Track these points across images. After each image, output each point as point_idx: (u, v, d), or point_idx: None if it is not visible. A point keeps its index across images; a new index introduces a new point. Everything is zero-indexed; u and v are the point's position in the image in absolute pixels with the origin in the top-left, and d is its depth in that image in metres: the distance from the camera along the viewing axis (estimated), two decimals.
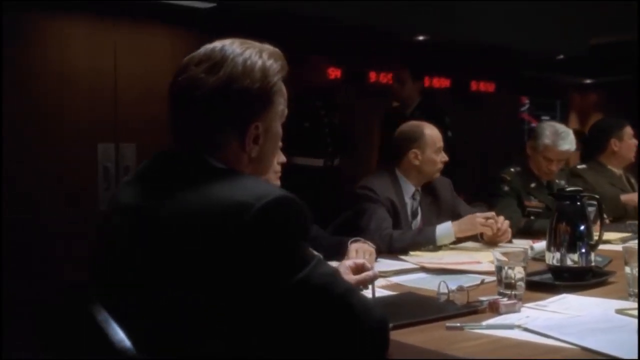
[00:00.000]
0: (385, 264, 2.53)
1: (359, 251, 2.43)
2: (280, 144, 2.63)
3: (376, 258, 2.58)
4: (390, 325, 1.62)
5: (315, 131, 4.66)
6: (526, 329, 1.64)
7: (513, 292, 1.94)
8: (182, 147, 1.43)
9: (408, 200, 3.08)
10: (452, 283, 2.18)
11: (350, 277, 1.86)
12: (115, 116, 4.38)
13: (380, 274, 2.35)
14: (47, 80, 4.12)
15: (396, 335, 1.61)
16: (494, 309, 1.82)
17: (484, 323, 1.69)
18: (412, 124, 3.20)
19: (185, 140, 1.43)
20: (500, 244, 2.95)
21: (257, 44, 1.48)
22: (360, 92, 5.77)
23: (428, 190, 3.17)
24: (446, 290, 1.91)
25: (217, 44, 1.46)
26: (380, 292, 2.07)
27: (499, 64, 6.67)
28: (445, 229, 2.85)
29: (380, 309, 1.42)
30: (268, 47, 1.49)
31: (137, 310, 1.33)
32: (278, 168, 2.64)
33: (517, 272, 1.96)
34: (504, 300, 1.85)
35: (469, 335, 1.63)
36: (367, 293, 1.93)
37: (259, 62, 1.44)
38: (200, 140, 1.41)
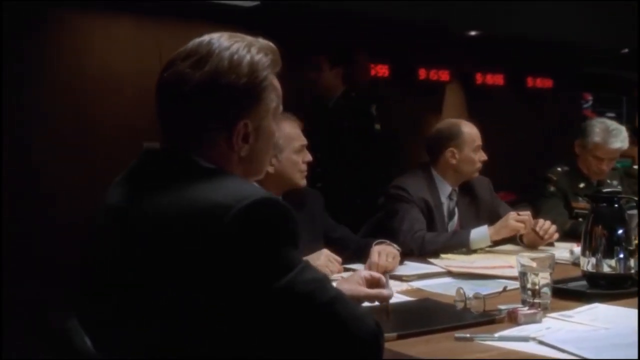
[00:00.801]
0: (411, 267, 2.43)
1: (382, 253, 2.33)
2: (304, 142, 2.60)
3: (403, 261, 2.48)
4: (395, 334, 1.55)
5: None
6: (541, 342, 1.51)
7: (536, 300, 1.81)
8: (169, 145, 1.38)
9: (444, 200, 2.96)
10: (478, 289, 2.07)
11: (362, 290, 1.73)
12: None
13: (403, 278, 2.25)
14: (92, 81, 4.17)
15: (399, 346, 1.53)
16: (513, 318, 1.70)
17: (497, 334, 1.57)
18: (449, 121, 3.07)
19: (172, 138, 1.38)
20: (541, 247, 2.81)
21: (248, 38, 1.41)
22: (409, 89, 5.63)
23: (466, 190, 3.04)
24: (463, 298, 1.80)
25: (205, 38, 1.40)
26: (398, 298, 1.98)
27: (557, 59, 6.40)
28: (480, 233, 2.73)
29: (374, 318, 1.33)
30: (259, 41, 1.41)
31: (115, 313, 1.28)
32: (303, 167, 2.58)
33: (542, 279, 1.83)
34: (524, 310, 1.72)
35: (478, 347, 1.52)
36: None
37: (247, 57, 1.36)
38: (186, 138, 1.35)
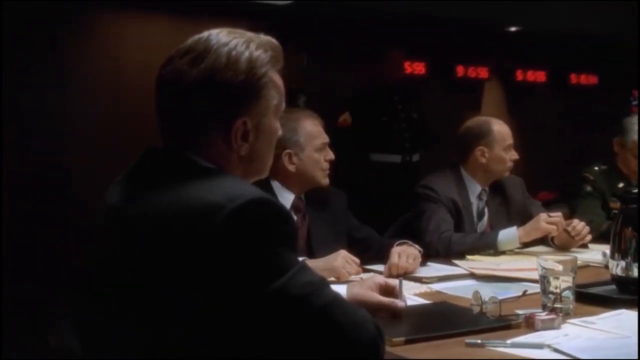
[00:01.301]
0: (433, 269, 2.36)
1: (402, 255, 2.27)
2: (326, 140, 2.55)
3: (426, 262, 2.42)
4: (402, 338, 1.50)
5: (392, 126, 4.49)
6: (556, 350, 1.44)
7: (557, 305, 1.73)
8: (167, 143, 1.36)
9: (474, 200, 2.87)
10: (500, 292, 2.01)
11: (374, 296, 1.65)
12: None
13: (423, 280, 2.19)
14: (129, 80, 4.22)
15: (407, 350, 1.48)
16: (530, 324, 1.63)
17: (510, 340, 1.51)
18: (479, 119, 2.98)
19: (169, 136, 1.35)
20: (573, 249, 2.71)
21: (248, 34, 1.38)
22: (447, 86, 5.54)
23: (497, 189, 2.95)
24: (479, 301, 1.74)
25: (204, 34, 1.36)
26: (415, 300, 1.92)
27: (603, 55, 6.22)
28: (508, 234, 2.64)
29: (376, 324, 1.28)
30: (259, 37, 1.38)
31: (111, 313, 1.26)
32: (325, 166, 2.54)
33: (563, 282, 1.75)
34: (542, 315, 1.65)
35: (489, 354, 1.45)
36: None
37: (246, 53, 1.33)
38: (184, 136, 1.33)
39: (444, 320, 1.70)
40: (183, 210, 1.21)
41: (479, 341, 1.50)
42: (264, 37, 1.39)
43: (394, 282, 1.66)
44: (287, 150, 2.47)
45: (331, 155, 2.53)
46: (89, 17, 4.17)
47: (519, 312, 1.70)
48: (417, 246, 2.36)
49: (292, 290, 1.19)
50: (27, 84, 3.97)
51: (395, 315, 1.53)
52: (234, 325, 1.18)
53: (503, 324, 1.64)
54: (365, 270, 2.30)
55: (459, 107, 5.55)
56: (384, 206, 4.07)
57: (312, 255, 2.37)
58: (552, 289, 1.76)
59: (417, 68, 5.29)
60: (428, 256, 2.45)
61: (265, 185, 2.52)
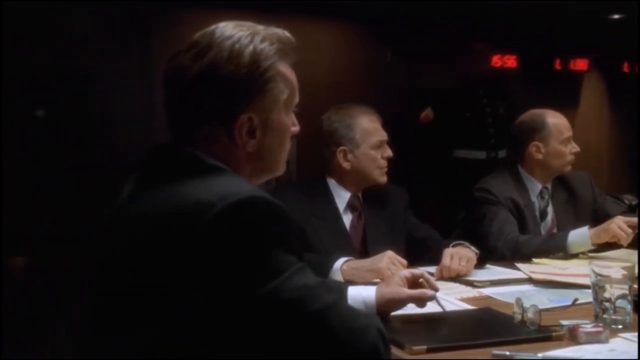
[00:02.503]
0: (490, 272, 2.22)
1: (454, 256, 2.15)
2: (384, 137, 2.46)
3: (484, 264, 2.29)
4: (425, 347, 1.41)
5: (477, 122, 4.31)
6: None
7: (611, 317, 1.58)
8: (174, 140, 1.33)
9: (534, 199, 2.69)
10: (556, 299, 1.87)
11: (403, 291, 1.62)
12: None
13: (475, 284, 2.07)
14: None
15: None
16: (573, 336, 1.49)
17: (542, 354, 1.37)
18: (533, 112, 2.78)
19: (175, 133, 1.33)
20: None
21: (256, 27, 1.32)
22: (541, 79, 5.26)
23: (561, 187, 2.74)
24: (521, 309, 1.61)
25: (211, 27, 1.33)
26: (457, 305, 1.81)
27: None
28: (579, 235, 2.44)
29: (381, 331, 1.20)
30: (267, 29, 1.32)
31: (108, 312, 1.25)
32: (383, 163, 2.46)
33: (618, 291, 1.59)
34: (587, 327, 1.50)
35: None
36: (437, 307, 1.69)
37: (250, 47, 1.28)
38: (187, 133, 1.29)
39: (478, 328, 1.58)
40: (175, 208, 1.18)
41: (507, 353, 1.38)
42: (273, 30, 1.33)
43: (418, 271, 1.68)
44: (342, 147, 2.41)
45: (389, 153, 2.45)
46: (176, 14, 4.25)
47: (564, 322, 1.56)
48: (473, 248, 2.23)
49: (285, 294, 1.13)
50: (117, 81, 4.08)
51: (428, 300, 1.61)
52: (225, 327, 1.14)
53: (542, 334, 1.50)
54: None
55: (554, 102, 5.25)
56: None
57: (366, 255, 2.30)
58: (604, 298, 1.60)
59: (508, 61, 5.06)
60: (484, 259, 2.31)
61: (321, 183, 2.48)
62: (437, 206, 3.91)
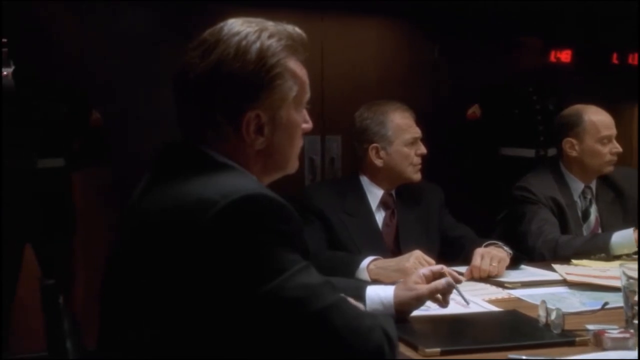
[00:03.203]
0: (523, 273, 2.15)
1: (485, 256, 2.09)
2: (417, 134, 2.41)
3: (518, 264, 2.22)
4: (438, 349, 1.37)
5: (526, 119, 4.19)
6: None
7: (638, 322, 1.50)
8: (184, 138, 1.33)
9: (577, 199, 2.59)
10: (589, 302, 1.80)
11: (422, 288, 1.59)
12: (322, 109, 4.41)
13: (505, 285, 2.01)
14: None
15: None
16: (599, 342, 1.42)
17: (559, 359, 1.32)
18: (573, 107, 2.67)
19: (184, 130, 1.33)
20: None
21: (265, 23, 1.30)
22: (599, 75, 5.07)
23: (607, 186, 2.63)
24: (545, 312, 1.54)
25: (220, 24, 1.32)
26: (482, 307, 1.76)
27: None
28: (623, 236, 2.33)
29: (388, 333, 1.17)
30: (276, 25, 1.29)
31: (113, 309, 1.26)
32: (416, 160, 2.42)
33: None
34: (613, 332, 1.43)
35: None
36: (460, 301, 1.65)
37: (257, 43, 1.26)
38: (196, 130, 1.29)
39: (497, 331, 1.53)
40: (178, 205, 1.18)
41: (524, 357, 1.33)
42: (282, 26, 1.31)
43: (437, 267, 1.66)
44: (374, 145, 2.37)
45: (423, 150, 2.40)
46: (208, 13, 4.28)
47: (590, 327, 1.49)
48: (506, 248, 2.17)
49: (286, 293, 1.12)
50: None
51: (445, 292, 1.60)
52: (226, 326, 1.13)
53: (564, 339, 1.44)
54: None
55: (610, 98, 5.07)
56: None
57: (399, 254, 2.26)
58: (635, 302, 1.53)
59: (562, 56, 4.90)
60: (521, 260, 2.24)
61: (354, 181, 2.45)
62: (481, 205, 3.83)
